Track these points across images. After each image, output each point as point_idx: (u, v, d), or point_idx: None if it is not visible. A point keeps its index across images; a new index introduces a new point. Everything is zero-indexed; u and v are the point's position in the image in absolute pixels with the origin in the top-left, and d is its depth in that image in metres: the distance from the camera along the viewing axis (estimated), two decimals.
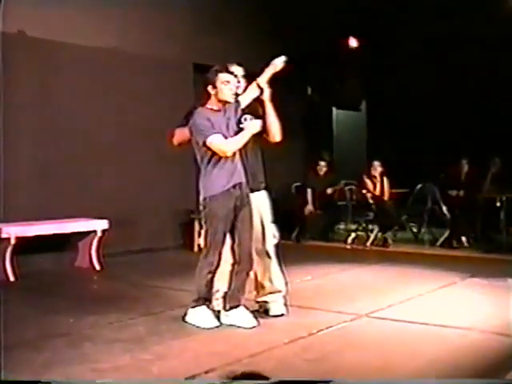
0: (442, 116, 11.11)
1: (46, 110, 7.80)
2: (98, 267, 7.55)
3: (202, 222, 4.91)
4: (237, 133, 4.83)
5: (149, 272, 7.34)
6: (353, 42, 11.87)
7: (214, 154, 4.74)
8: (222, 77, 4.77)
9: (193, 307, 4.89)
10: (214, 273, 4.82)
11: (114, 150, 8.44)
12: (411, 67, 11.39)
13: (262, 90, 4.96)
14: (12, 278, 6.79)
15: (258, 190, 5.12)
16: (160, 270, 7.43)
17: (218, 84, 4.76)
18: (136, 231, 8.50)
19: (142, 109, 8.66)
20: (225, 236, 4.82)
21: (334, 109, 12.63)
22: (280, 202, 10.57)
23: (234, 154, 4.79)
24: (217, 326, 4.80)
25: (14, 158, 7.23)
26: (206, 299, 4.87)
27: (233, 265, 4.89)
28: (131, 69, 8.69)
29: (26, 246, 6.84)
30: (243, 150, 4.92)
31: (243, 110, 4.91)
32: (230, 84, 4.77)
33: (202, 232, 4.91)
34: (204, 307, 4.87)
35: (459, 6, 9.94)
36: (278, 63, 5.04)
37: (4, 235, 6.75)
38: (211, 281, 4.84)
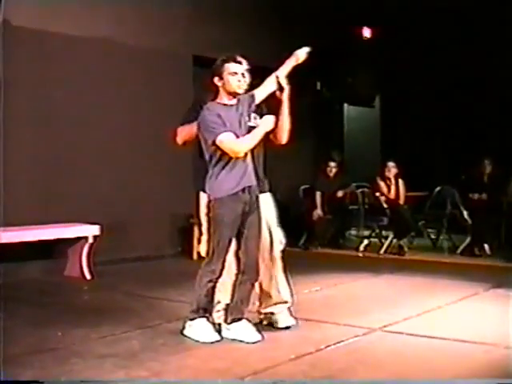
0: (462, 113, 11.09)
1: (35, 107, 7.81)
2: (88, 276, 7.54)
3: (203, 228, 4.90)
4: (249, 131, 4.81)
5: (144, 282, 7.33)
6: (366, 33, 11.85)
7: (223, 153, 4.70)
8: (229, 67, 4.75)
9: (191, 319, 4.86)
10: (215, 282, 4.78)
11: (108, 148, 8.44)
12: (429, 60, 11.39)
13: (280, 85, 4.94)
14: None
15: (262, 192, 5.10)
16: (156, 279, 7.42)
17: (224, 75, 4.74)
18: (131, 237, 8.50)
19: (138, 105, 8.66)
20: (230, 243, 4.78)
21: (345, 105, 12.62)
22: (286, 206, 10.67)
23: (246, 154, 4.77)
24: (217, 341, 4.76)
25: (1, 161, 7.22)
26: (205, 310, 4.83)
27: (236, 274, 4.86)
28: (127, 61, 8.69)
29: (10, 253, 6.83)
30: (255, 150, 4.91)
31: (257, 105, 4.92)
32: (237, 75, 4.75)
33: (203, 238, 4.88)
34: (203, 320, 4.83)
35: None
36: (301, 55, 5.08)
37: None
38: (212, 291, 4.80)
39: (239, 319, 4.86)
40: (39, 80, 7.83)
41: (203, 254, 4.94)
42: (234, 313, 4.87)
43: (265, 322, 5.23)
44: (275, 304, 5.20)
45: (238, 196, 4.73)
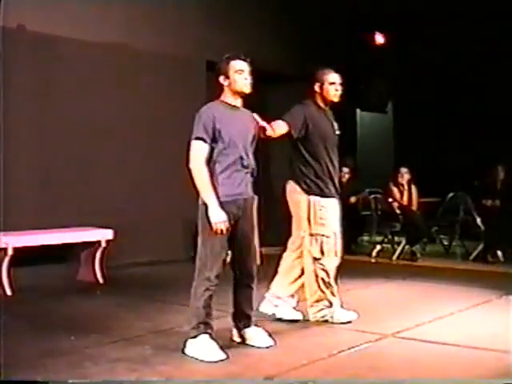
0: (476, 118, 11.05)
1: (46, 110, 7.83)
2: (101, 280, 7.55)
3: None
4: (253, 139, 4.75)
5: (156, 286, 7.34)
6: (379, 39, 11.84)
7: (218, 155, 4.55)
8: (235, 65, 4.61)
9: (193, 337, 4.55)
10: (213, 291, 4.51)
11: (121, 153, 8.47)
12: (442, 65, 11.36)
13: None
14: (9, 292, 6.80)
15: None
16: (168, 283, 7.42)
17: (230, 74, 4.60)
18: (143, 242, 8.49)
19: (150, 110, 8.68)
20: (224, 248, 4.58)
21: (357, 110, 12.60)
22: None
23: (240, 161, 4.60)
24: (222, 360, 4.44)
25: (12, 164, 7.26)
26: (206, 325, 4.53)
27: (234, 281, 4.78)
28: (140, 67, 8.72)
29: (24, 257, 6.86)
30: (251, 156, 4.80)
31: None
32: (244, 73, 4.61)
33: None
34: (207, 336, 4.51)
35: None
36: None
37: (1, 245, 6.76)
38: (210, 301, 4.52)
39: (249, 325, 4.83)
40: (52, 85, 7.86)
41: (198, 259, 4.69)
42: (242, 319, 4.83)
43: (320, 320, 5.52)
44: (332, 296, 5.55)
45: (231, 202, 4.56)
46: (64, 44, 7.91)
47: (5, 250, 6.77)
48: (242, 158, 4.62)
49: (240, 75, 4.60)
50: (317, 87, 5.55)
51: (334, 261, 5.58)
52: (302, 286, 5.61)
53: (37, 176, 7.69)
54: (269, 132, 5.04)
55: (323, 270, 5.51)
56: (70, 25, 7.94)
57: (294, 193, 5.55)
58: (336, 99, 5.59)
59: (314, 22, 10.75)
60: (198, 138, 4.52)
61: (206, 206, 4.54)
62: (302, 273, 5.59)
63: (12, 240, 6.84)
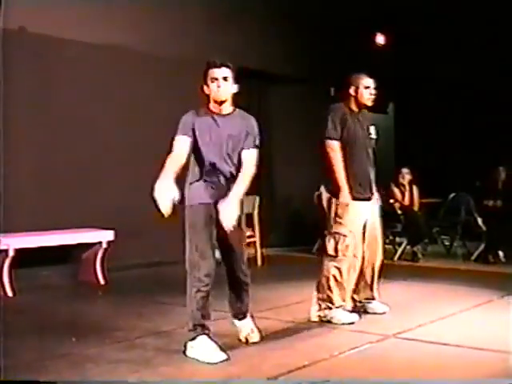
0: (477, 119, 11.05)
1: (47, 112, 7.83)
2: (102, 281, 7.56)
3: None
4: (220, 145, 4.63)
5: (158, 287, 7.34)
6: (380, 39, 11.84)
7: (198, 158, 4.60)
8: (210, 73, 4.58)
9: (192, 339, 4.53)
10: (205, 292, 4.47)
11: (121, 153, 8.46)
12: (443, 66, 11.36)
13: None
14: (10, 293, 6.81)
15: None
16: (170, 285, 7.38)
17: (208, 82, 4.60)
18: (144, 243, 8.49)
19: (152, 111, 8.68)
20: (209, 246, 4.53)
21: None
22: (301, 212, 10.66)
23: (216, 167, 4.58)
24: (224, 360, 4.44)
25: (14, 165, 7.26)
26: (203, 327, 4.51)
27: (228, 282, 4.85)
28: (142, 69, 8.71)
29: (25, 258, 6.86)
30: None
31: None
32: (217, 80, 4.54)
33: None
34: (205, 337, 4.50)
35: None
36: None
37: (2, 247, 6.76)
38: (203, 302, 4.48)
39: (244, 314, 4.93)
40: (53, 87, 7.87)
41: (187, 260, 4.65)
42: (235, 310, 4.92)
43: (361, 309, 5.84)
44: (371, 292, 5.90)
45: (209, 205, 4.55)
46: (66, 46, 7.91)
47: (6, 251, 6.78)
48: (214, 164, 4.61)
49: (213, 83, 4.57)
50: (352, 91, 5.73)
51: (351, 262, 5.60)
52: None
53: (38, 177, 7.69)
54: None
55: (336, 267, 5.55)
56: (72, 27, 7.93)
57: (324, 195, 5.74)
58: (370, 103, 5.80)
59: (316, 24, 10.75)
60: (177, 135, 4.66)
61: (190, 207, 4.59)
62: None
63: (13, 241, 6.84)
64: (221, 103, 4.61)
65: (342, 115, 5.66)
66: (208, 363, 4.41)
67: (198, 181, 4.63)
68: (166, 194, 4.15)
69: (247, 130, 4.66)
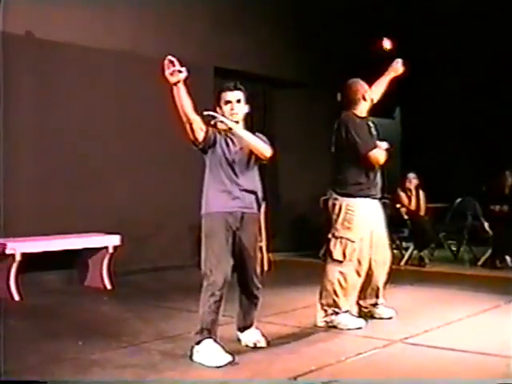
0: (483, 124, 11.03)
1: (49, 116, 7.83)
2: (109, 286, 7.55)
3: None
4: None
5: (164, 292, 7.34)
6: (386, 44, 11.82)
7: (212, 169, 4.75)
8: (224, 96, 4.80)
9: (197, 343, 4.56)
10: (219, 296, 4.52)
11: (126, 158, 8.46)
12: (450, 71, 11.34)
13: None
14: (17, 298, 6.81)
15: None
16: (176, 289, 7.41)
17: (221, 104, 4.81)
18: (150, 248, 8.50)
19: (156, 115, 8.66)
20: (224, 250, 4.62)
21: None
22: (307, 217, 10.65)
23: (233, 180, 4.71)
24: (229, 362, 4.47)
25: (17, 169, 7.27)
26: (209, 331, 4.54)
27: (240, 291, 4.89)
28: (146, 72, 8.70)
29: (32, 263, 6.87)
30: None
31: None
32: (231, 103, 4.75)
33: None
34: (210, 341, 4.53)
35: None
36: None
37: (9, 251, 6.77)
38: (216, 307, 4.53)
39: (250, 326, 4.94)
40: (55, 91, 7.86)
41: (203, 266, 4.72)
42: (242, 322, 4.95)
43: (368, 314, 5.83)
44: (377, 298, 5.86)
45: (226, 213, 4.67)
46: (69, 50, 7.92)
47: (13, 255, 6.78)
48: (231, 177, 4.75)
49: (226, 106, 4.76)
50: (360, 96, 5.83)
51: (356, 266, 5.60)
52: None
53: (42, 182, 7.68)
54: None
55: (341, 272, 5.54)
56: (76, 31, 7.95)
57: (331, 200, 5.74)
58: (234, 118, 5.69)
59: (320, 28, 10.75)
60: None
61: (208, 214, 4.71)
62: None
63: (20, 246, 6.85)
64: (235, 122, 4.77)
65: (363, 124, 5.75)
66: (214, 367, 4.40)
67: (215, 189, 4.71)
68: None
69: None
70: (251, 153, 4.75)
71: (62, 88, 7.92)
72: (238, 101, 4.75)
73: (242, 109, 4.78)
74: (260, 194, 4.85)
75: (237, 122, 4.74)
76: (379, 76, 6.11)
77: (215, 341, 4.56)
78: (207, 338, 4.53)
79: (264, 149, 4.75)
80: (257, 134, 4.86)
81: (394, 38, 11.73)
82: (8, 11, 5.82)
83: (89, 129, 8.12)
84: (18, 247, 6.81)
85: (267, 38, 10.18)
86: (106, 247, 7.56)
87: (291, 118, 10.76)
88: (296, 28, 10.55)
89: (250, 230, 4.79)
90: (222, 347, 4.55)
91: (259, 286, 4.87)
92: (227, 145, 4.74)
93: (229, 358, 4.48)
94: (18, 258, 6.78)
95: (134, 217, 8.28)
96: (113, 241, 7.60)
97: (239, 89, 4.78)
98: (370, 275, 5.77)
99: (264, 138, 4.86)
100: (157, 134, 8.65)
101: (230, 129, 4.67)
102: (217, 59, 9.22)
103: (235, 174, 4.71)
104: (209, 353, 4.50)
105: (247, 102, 4.81)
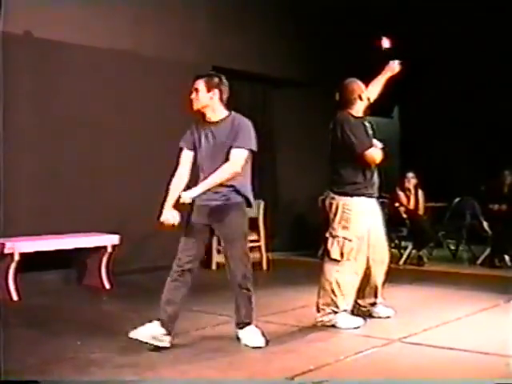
0: (482, 123, 11.03)
1: (49, 116, 7.82)
2: (107, 286, 7.55)
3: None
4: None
5: (162, 291, 7.31)
6: (385, 43, 11.81)
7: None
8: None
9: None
10: (176, 278, 5.08)
11: (126, 158, 8.45)
12: (448, 70, 11.34)
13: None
14: (15, 297, 6.80)
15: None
16: None
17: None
18: (149, 247, 8.48)
19: (156, 115, 8.68)
20: (192, 236, 5.17)
21: None
22: (306, 216, 10.65)
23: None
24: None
25: (16, 168, 7.27)
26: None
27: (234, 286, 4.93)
28: (146, 72, 8.72)
29: (30, 262, 6.86)
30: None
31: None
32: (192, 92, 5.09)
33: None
34: (157, 322, 4.88)
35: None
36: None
37: (7, 251, 6.76)
38: (173, 289, 5.13)
39: (247, 324, 4.93)
40: (55, 90, 7.85)
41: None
42: (240, 319, 4.94)
43: (366, 313, 5.82)
44: (375, 297, 5.86)
45: (201, 206, 5.00)
46: (70, 50, 7.91)
47: (11, 255, 6.77)
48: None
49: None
50: (356, 96, 5.90)
51: (353, 265, 5.59)
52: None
53: (41, 181, 7.67)
54: None
55: (338, 271, 5.54)
56: (76, 31, 7.93)
57: (329, 199, 5.75)
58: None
59: (319, 27, 10.75)
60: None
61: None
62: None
63: (18, 245, 6.84)
64: (202, 112, 4.99)
65: (358, 124, 5.74)
66: (213, 368, 4.40)
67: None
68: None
69: (237, 131, 4.86)
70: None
71: (62, 88, 7.91)
72: (196, 90, 4.95)
73: (203, 97, 4.93)
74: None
75: (202, 108, 4.94)
76: (377, 75, 6.11)
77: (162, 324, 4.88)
78: (157, 319, 4.90)
79: (230, 173, 4.83)
80: (244, 121, 4.92)
81: (393, 37, 11.74)
82: (7, 11, 5.79)
83: (88, 129, 8.11)
84: (16, 247, 6.80)
85: (267, 38, 10.18)
86: (105, 246, 7.55)
87: (291, 117, 10.76)
88: (296, 28, 10.54)
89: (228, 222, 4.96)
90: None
91: (248, 275, 4.90)
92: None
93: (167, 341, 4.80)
94: (16, 257, 6.77)
95: (133, 216, 8.27)
96: (112, 240, 7.59)
97: (199, 77, 5.03)
98: (368, 274, 5.76)
99: (247, 131, 4.90)
100: (157, 133, 8.64)
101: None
102: (216, 59, 9.20)
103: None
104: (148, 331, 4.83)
105: (212, 88, 4.94)
